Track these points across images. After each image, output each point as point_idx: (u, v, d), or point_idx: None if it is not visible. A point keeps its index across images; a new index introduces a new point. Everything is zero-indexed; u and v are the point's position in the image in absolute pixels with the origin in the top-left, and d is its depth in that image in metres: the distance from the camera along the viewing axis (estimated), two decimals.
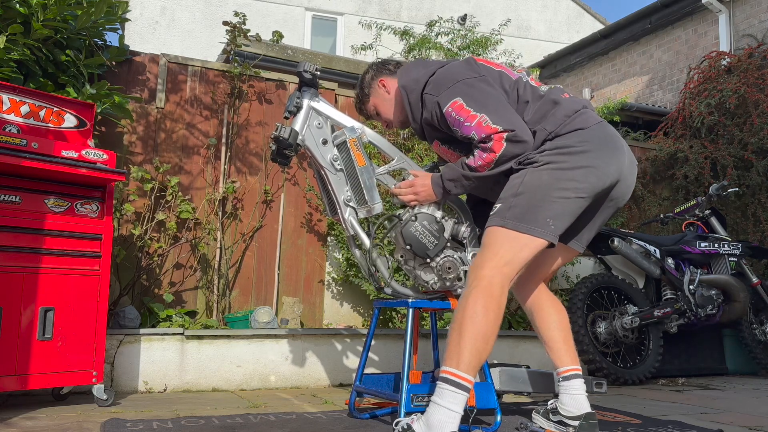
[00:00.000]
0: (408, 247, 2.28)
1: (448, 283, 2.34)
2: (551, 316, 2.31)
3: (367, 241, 2.36)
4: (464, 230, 2.36)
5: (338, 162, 2.37)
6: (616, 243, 3.98)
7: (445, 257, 2.32)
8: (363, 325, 4.21)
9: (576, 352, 2.30)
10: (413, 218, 2.28)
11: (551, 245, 2.05)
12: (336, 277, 4.28)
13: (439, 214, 2.32)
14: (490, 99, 2.11)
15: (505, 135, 2.05)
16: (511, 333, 4.06)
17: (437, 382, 1.92)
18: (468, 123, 2.10)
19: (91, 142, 2.92)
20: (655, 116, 6.90)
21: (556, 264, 2.36)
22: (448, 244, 2.34)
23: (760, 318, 4.59)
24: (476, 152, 2.12)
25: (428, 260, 2.30)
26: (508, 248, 1.99)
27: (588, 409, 2.18)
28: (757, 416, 2.78)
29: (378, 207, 2.34)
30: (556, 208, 2.01)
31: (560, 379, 2.25)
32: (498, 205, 2.07)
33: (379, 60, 2.57)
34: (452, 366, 1.89)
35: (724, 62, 6.09)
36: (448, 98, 2.14)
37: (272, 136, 2.30)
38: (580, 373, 2.25)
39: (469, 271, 2.03)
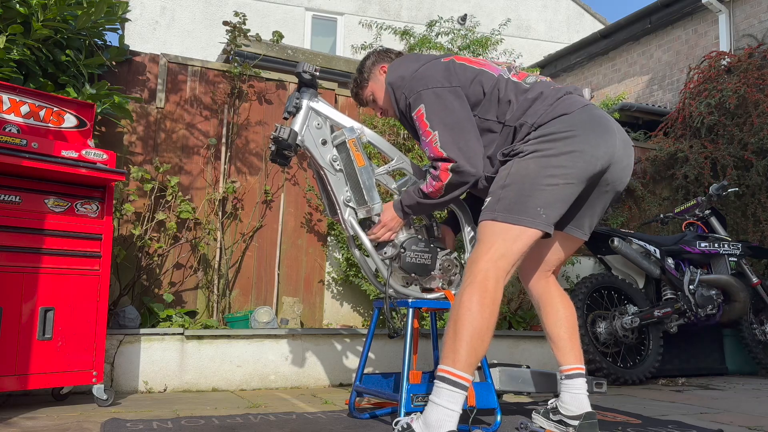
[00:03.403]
0: (413, 275, 2.40)
1: (453, 278, 2.48)
2: (559, 312, 2.29)
3: (369, 244, 2.36)
4: (435, 227, 2.51)
5: (338, 162, 2.37)
6: (616, 243, 3.98)
7: (441, 261, 2.44)
8: (363, 325, 4.21)
9: (581, 351, 2.29)
10: (402, 250, 2.36)
11: (546, 235, 2.04)
12: (336, 277, 4.28)
13: (412, 230, 2.43)
14: (450, 117, 2.13)
15: (449, 165, 2.10)
16: (511, 333, 4.06)
17: (435, 381, 1.91)
18: (424, 137, 2.16)
19: (91, 142, 2.92)
20: (655, 116, 6.90)
21: (562, 254, 2.34)
22: (439, 248, 2.45)
23: (760, 318, 4.58)
24: (428, 178, 2.20)
25: (431, 273, 2.43)
26: (501, 241, 1.98)
27: (588, 409, 2.18)
28: (757, 416, 2.78)
29: (378, 207, 2.34)
30: (545, 196, 1.99)
31: (563, 377, 2.24)
32: (488, 199, 2.07)
33: (381, 48, 2.57)
34: (449, 365, 1.88)
35: (724, 62, 6.09)
36: (415, 103, 2.19)
37: (271, 137, 2.30)
38: (584, 372, 2.24)
39: (466, 267, 2.03)
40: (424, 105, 2.16)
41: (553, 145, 2.01)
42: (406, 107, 2.25)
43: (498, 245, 1.98)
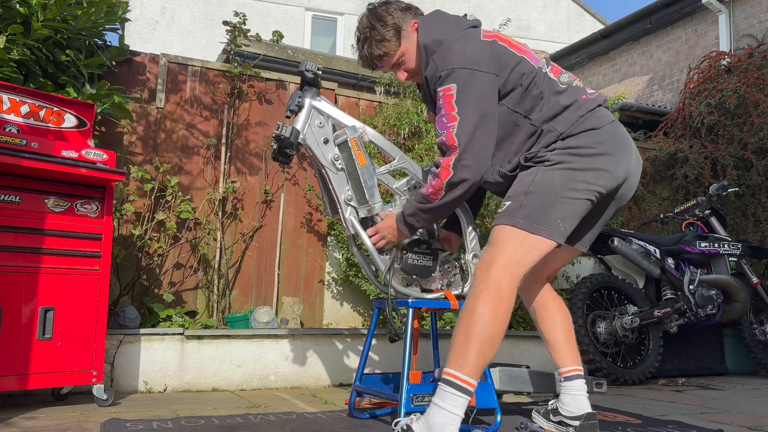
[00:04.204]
0: (415, 276, 2.39)
1: (453, 280, 2.49)
2: (555, 315, 2.30)
3: (369, 244, 2.35)
4: (435, 228, 2.48)
5: (339, 161, 2.37)
6: (616, 243, 3.97)
7: (441, 262, 2.45)
8: (363, 325, 4.21)
9: (578, 353, 2.30)
10: (404, 251, 2.35)
11: (558, 245, 2.03)
12: (336, 277, 4.28)
13: (416, 233, 2.42)
14: (480, 107, 2.02)
15: (452, 161, 2.02)
16: (511, 333, 4.05)
17: (439, 383, 1.90)
18: (445, 120, 2.04)
19: (91, 142, 2.92)
20: (655, 116, 6.90)
21: (559, 263, 2.35)
22: (440, 250, 2.45)
23: (760, 318, 4.58)
24: (429, 178, 2.13)
25: (432, 274, 2.43)
26: (517, 248, 1.96)
27: (589, 410, 2.18)
28: (757, 416, 2.78)
29: (378, 206, 2.34)
30: (567, 209, 1.98)
31: (562, 379, 2.25)
32: (507, 203, 2.03)
33: (387, 0, 2.28)
34: (456, 369, 1.87)
35: (724, 62, 6.09)
36: (447, 80, 2.03)
37: (274, 135, 2.29)
38: (582, 373, 2.25)
39: (477, 270, 1.99)
40: (456, 85, 2.01)
41: (581, 159, 2.00)
42: (434, 78, 2.08)
43: (514, 252, 1.95)
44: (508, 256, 1.95)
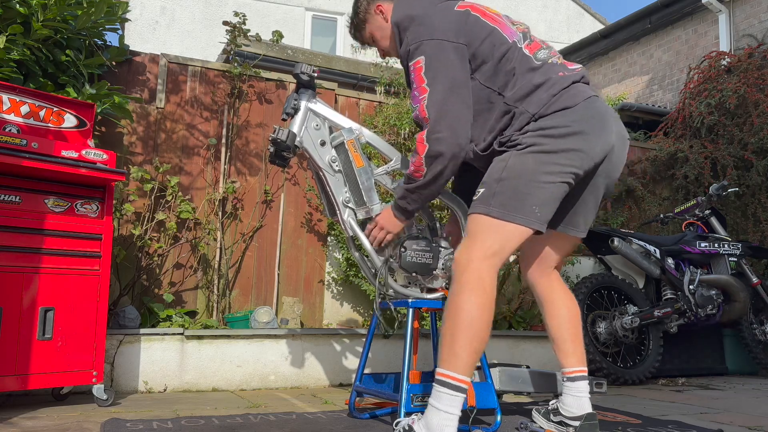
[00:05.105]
0: (414, 274, 2.37)
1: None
2: (561, 312, 2.24)
3: (367, 243, 2.35)
4: (438, 227, 2.48)
5: (336, 163, 2.37)
6: (616, 243, 3.98)
7: (443, 260, 2.42)
8: (363, 325, 4.21)
9: (584, 353, 2.24)
10: (403, 249, 2.33)
11: (538, 232, 2.00)
12: (336, 277, 4.28)
13: (414, 230, 2.40)
14: (448, 76, 2.00)
15: (424, 134, 2.00)
16: (511, 333, 4.06)
17: (434, 384, 1.90)
18: (416, 93, 2.04)
19: (91, 142, 2.92)
20: (655, 116, 6.90)
21: (561, 252, 2.29)
22: (441, 248, 2.43)
23: (760, 318, 4.58)
24: (410, 157, 2.11)
25: (434, 271, 2.41)
26: (494, 238, 1.93)
27: (589, 410, 2.17)
28: (757, 416, 2.78)
29: (377, 208, 2.34)
30: (541, 194, 1.94)
31: (565, 379, 2.22)
32: (481, 190, 2.00)
33: None
34: (449, 368, 1.86)
35: (724, 62, 6.09)
36: (416, 53, 2.04)
37: (270, 139, 2.30)
38: (586, 374, 2.21)
39: (455, 263, 1.96)
40: (425, 57, 2.01)
41: (553, 141, 1.95)
42: (405, 53, 2.11)
43: (492, 242, 1.93)
44: (485, 247, 1.92)
